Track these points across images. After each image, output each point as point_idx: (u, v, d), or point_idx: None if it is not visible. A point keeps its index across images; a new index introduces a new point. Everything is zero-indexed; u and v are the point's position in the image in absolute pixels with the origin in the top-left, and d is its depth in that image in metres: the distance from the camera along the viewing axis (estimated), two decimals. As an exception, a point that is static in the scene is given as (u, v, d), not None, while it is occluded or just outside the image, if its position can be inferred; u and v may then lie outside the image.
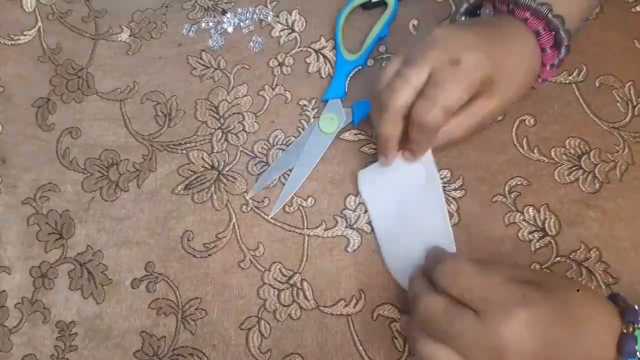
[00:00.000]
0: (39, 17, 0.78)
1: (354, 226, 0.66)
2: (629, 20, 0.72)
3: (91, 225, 0.69)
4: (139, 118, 0.73)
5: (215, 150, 0.70)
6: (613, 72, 0.70)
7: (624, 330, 0.49)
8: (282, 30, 0.75)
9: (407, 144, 0.61)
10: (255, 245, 0.67)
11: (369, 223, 0.66)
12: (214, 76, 0.74)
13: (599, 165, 0.66)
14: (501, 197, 0.66)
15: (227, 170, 0.69)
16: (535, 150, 0.67)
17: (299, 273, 0.65)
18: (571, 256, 0.63)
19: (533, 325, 0.47)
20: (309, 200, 0.68)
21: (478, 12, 0.65)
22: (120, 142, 0.72)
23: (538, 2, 0.57)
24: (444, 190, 0.66)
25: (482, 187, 0.66)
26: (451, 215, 0.65)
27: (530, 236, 0.64)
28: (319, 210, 0.67)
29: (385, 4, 0.74)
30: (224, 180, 0.69)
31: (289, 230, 0.67)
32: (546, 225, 0.65)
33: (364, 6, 0.75)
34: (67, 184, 0.71)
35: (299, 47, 0.74)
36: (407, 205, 0.65)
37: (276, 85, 0.73)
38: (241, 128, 0.71)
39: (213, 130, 0.71)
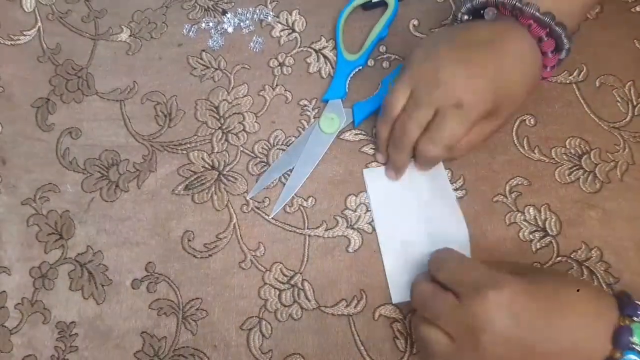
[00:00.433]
0: (38, 17, 0.78)
1: (355, 226, 0.66)
2: (629, 20, 0.72)
3: (91, 226, 0.69)
4: (139, 118, 0.73)
5: (215, 151, 0.70)
6: (613, 72, 0.70)
7: (620, 323, 0.50)
8: (282, 30, 0.75)
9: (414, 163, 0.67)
10: (256, 246, 0.66)
11: (370, 223, 0.66)
12: (214, 76, 0.74)
13: (599, 165, 0.66)
14: (502, 197, 0.66)
15: (228, 171, 0.69)
16: (536, 150, 0.67)
17: (300, 273, 0.65)
18: (572, 256, 0.63)
19: (505, 307, 0.49)
20: (310, 201, 0.68)
21: (481, 12, 0.65)
22: (121, 143, 0.72)
23: (542, 12, 0.58)
24: (445, 190, 0.66)
25: (482, 187, 0.66)
26: (452, 215, 0.66)
27: (531, 236, 0.64)
28: (319, 210, 0.67)
29: (386, 4, 0.74)
30: (225, 180, 0.69)
31: (290, 231, 0.67)
32: (547, 225, 0.65)
33: (364, 6, 0.75)
34: (67, 184, 0.70)
35: (299, 47, 0.74)
36: (416, 210, 0.66)
37: (276, 85, 0.73)
38: (241, 128, 0.71)
39: (213, 131, 0.71)
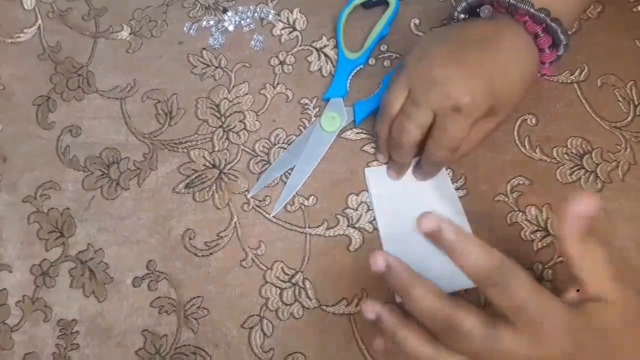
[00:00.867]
0: (38, 15, 0.78)
1: (356, 225, 0.66)
2: (630, 20, 0.72)
3: (92, 224, 0.69)
4: (139, 116, 0.73)
5: (216, 149, 0.70)
6: (615, 71, 0.70)
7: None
8: (283, 28, 0.75)
9: (418, 168, 0.67)
10: (256, 244, 0.66)
11: (371, 222, 0.66)
12: (214, 75, 0.74)
13: (600, 165, 0.66)
14: (503, 196, 0.66)
15: (228, 169, 0.69)
16: (537, 150, 0.67)
17: (301, 272, 0.65)
18: (573, 255, 0.63)
19: None
20: (311, 199, 0.68)
21: (477, 10, 0.65)
22: (121, 141, 0.72)
23: (536, 8, 0.58)
24: (446, 189, 0.66)
25: (484, 186, 0.66)
26: (453, 215, 0.66)
27: (532, 236, 0.64)
28: (320, 209, 0.67)
29: (387, 3, 0.73)
30: (225, 179, 0.69)
31: (291, 229, 0.67)
32: (548, 224, 0.65)
33: (365, 5, 0.75)
34: (67, 182, 0.70)
35: (300, 45, 0.74)
36: (419, 209, 0.65)
37: (277, 83, 0.73)
38: (242, 127, 0.71)
39: (214, 129, 0.71)
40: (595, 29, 0.72)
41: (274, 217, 0.67)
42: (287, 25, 0.76)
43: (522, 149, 0.67)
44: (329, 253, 0.66)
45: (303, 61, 0.74)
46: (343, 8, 0.74)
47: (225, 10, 0.77)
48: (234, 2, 0.77)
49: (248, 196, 0.68)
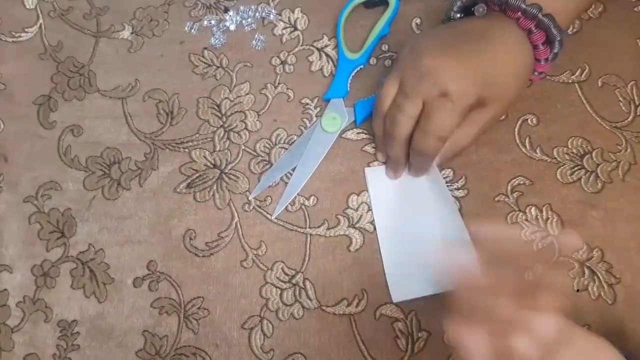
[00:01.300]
0: (40, 15, 0.78)
1: (357, 225, 0.66)
2: (631, 20, 0.72)
3: (93, 224, 0.69)
4: (140, 116, 0.73)
5: (217, 149, 0.70)
6: (616, 71, 0.70)
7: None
8: (284, 28, 0.75)
9: (410, 166, 0.67)
10: (257, 245, 0.66)
11: (372, 222, 0.66)
12: (216, 74, 0.74)
13: (601, 165, 0.66)
14: (503, 196, 0.66)
15: (230, 169, 0.69)
16: (538, 150, 0.67)
17: (302, 272, 0.65)
18: (573, 256, 0.63)
19: None
20: (312, 200, 0.68)
21: (472, 9, 0.65)
22: (122, 140, 0.72)
23: (528, 4, 0.58)
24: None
25: (484, 186, 0.66)
26: (453, 215, 0.66)
27: (532, 236, 0.64)
28: (321, 209, 0.67)
29: (387, 3, 0.73)
30: (226, 179, 0.69)
31: (292, 230, 0.67)
32: (548, 225, 0.65)
33: (366, 4, 0.75)
34: (68, 182, 0.71)
35: (302, 45, 0.74)
36: (416, 210, 0.66)
37: (278, 83, 0.73)
38: (243, 126, 0.71)
39: (215, 129, 0.71)
40: (596, 28, 0.72)
41: (274, 217, 0.67)
42: (288, 25, 0.75)
43: (523, 149, 0.67)
44: (330, 253, 0.66)
45: (304, 61, 0.74)
46: (343, 8, 0.74)
47: (226, 10, 0.77)
48: (235, 1, 0.77)
49: (249, 198, 0.68)
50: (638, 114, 0.68)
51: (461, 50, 0.59)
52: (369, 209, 0.67)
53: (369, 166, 0.68)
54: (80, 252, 0.68)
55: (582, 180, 0.66)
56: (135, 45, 0.76)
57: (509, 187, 0.66)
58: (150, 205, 0.69)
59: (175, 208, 0.69)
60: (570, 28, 0.71)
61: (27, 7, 0.79)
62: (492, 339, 0.46)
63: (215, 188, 0.69)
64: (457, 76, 0.57)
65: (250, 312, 0.65)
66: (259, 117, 0.71)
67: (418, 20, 0.74)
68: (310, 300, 0.64)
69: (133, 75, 0.75)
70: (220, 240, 0.67)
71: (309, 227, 0.67)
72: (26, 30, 0.77)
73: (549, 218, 0.65)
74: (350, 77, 0.71)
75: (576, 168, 0.66)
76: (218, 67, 0.74)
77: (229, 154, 0.70)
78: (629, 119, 0.68)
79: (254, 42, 0.75)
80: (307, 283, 0.65)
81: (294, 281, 0.65)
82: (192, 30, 0.76)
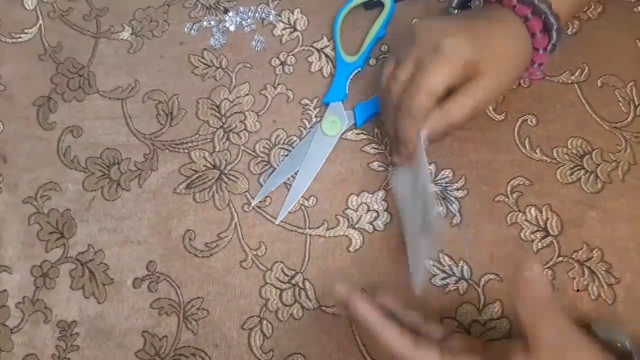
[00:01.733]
0: (40, 15, 0.78)
1: (356, 226, 0.66)
2: (631, 20, 0.72)
3: (92, 225, 0.69)
4: (140, 117, 0.73)
5: (217, 150, 0.70)
6: (615, 72, 0.70)
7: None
8: (284, 29, 0.75)
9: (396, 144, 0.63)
10: (257, 245, 0.66)
11: (371, 223, 0.66)
12: (215, 75, 0.74)
13: (601, 165, 0.66)
14: (503, 197, 0.66)
15: (229, 170, 0.69)
16: (538, 150, 0.67)
17: (301, 273, 0.65)
18: (573, 256, 0.63)
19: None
20: (311, 200, 0.68)
21: (469, 4, 0.66)
22: (122, 141, 0.72)
23: None
24: (446, 189, 0.66)
25: (484, 187, 0.66)
26: (453, 215, 0.65)
27: (532, 236, 0.64)
28: (321, 209, 0.67)
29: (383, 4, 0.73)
30: (226, 179, 0.69)
31: (291, 230, 0.67)
32: (548, 225, 0.65)
33: (365, 5, 0.75)
34: (68, 183, 0.71)
35: (301, 46, 0.74)
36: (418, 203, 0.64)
37: (278, 84, 0.73)
38: (243, 127, 0.71)
39: (215, 130, 0.71)
40: (596, 29, 0.72)
41: (274, 217, 0.67)
42: (287, 26, 0.76)
43: (522, 149, 0.67)
44: (329, 254, 0.66)
45: (304, 62, 0.74)
46: (339, 11, 0.74)
47: (226, 11, 0.77)
48: (234, 2, 0.77)
49: (252, 205, 0.68)
50: (637, 114, 0.68)
51: (455, 22, 0.60)
52: (369, 209, 0.67)
53: (392, 170, 0.67)
54: (79, 253, 0.68)
55: (582, 180, 0.66)
56: (135, 46, 0.76)
57: (509, 188, 0.66)
58: (149, 205, 0.69)
59: (174, 209, 0.69)
60: (570, 28, 0.71)
61: (27, 8, 0.79)
62: None
63: (214, 189, 0.69)
64: (451, 32, 0.57)
65: (250, 312, 0.65)
66: (259, 117, 0.71)
67: (417, 21, 0.74)
68: (310, 300, 0.64)
69: (133, 76, 0.75)
70: (219, 241, 0.67)
71: (309, 228, 0.67)
72: (26, 31, 0.77)
73: (548, 218, 0.65)
74: (349, 80, 0.71)
75: (576, 168, 0.66)
76: (218, 68, 0.74)
77: (228, 154, 0.70)
78: (629, 119, 0.68)
79: (253, 42, 0.75)
80: (307, 283, 0.65)
81: (293, 281, 0.65)
82: (192, 31, 0.76)
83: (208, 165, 0.70)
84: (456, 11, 0.66)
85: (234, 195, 0.68)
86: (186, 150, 0.70)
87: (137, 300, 0.66)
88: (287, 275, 0.65)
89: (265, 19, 0.76)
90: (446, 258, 0.64)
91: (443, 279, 0.63)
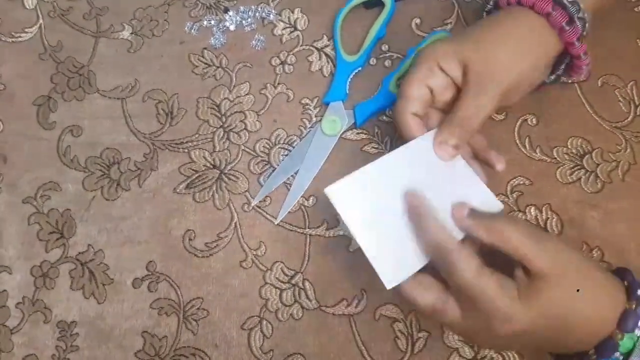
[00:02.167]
0: (40, 15, 0.78)
1: (356, 226, 0.66)
2: (631, 20, 0.72)
3: (92, 225, 0.69)
4: (140, 116, 0.73)
5: (217, 149, 0.70)
6: (615, 71, 0.70)
7: (627, 306, 0.50)
8: (284, 28, 0.75)
9: None
10: (257, 245, 0.66)
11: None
12: (215, 74, 0.74)
13: (601, 165, 0.66)
14: (503, 196, 0.66)
15: (229, 170, 0.69)
16: (538, 150, 0.67)
17: (301, 273, 0.65)
18: (573, 256, 0.63)
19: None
20: (311, 200, 0.68)
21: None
22: (122, 141, 0.72)
23: None
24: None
25: (484, 187, 0.66)
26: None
27: (532, 236, 0.64)
28: (320, 209, 0.67)
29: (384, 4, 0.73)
30: (226, 179, 0.69)
31: (291, 230, 0.67)
32: (548, 225, 0.65)
33: (365, 5, 0.74)
34: (68, 182, 0.70)
35: (301, 45, 0.74)
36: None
37: (278, 83, 0.73)
38: (243, 127, 0.71)
39: (215, 129, 0.71)
40: (596, 28, 0.71)
41: (274, 217, 0.67)
42: (288, 25, 0.75)
43: (523, 149, 0.67)
44: (329, 254, 0.66)
45: (304, 61, 0.74)
46: (339, 10, 0.74)
47: (226, 10, 0.77)
48: (235, 1, 0.77)
49: (252, 204, 0.68)
50: (638, 114, 0.68)
51: (466, 34, 0.60)
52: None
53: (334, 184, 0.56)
54: (79, 253, 0.68)
55: (582, 180, 0.66)
56: (135, 45, 0.76)
57: (509, 187, 0.66)
58: (149, 205, 0.69)
59: (174, 208, 0.69)
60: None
61: (27, 7, 0.79)
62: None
63: (214, 188, 0.69)
64: (440, 41, 0.59)
65: (250, 312, 0.65)
66: (259, 117, 0.71)
67: (418, 20, 0.74)
68: (310, 300, 0.64)
69: (133, 75, 0.75)
70: (219, 241, 0.67)
71: (309, 228, 0.67)
72: (26, 30, 0.77)
73: (548, 218, 0.65)
74: (349, 80, 0.71)
75: (576, 168, 0.66)
76: (218, 67, 0.74)
77: (228, 154, 0.70)
78: (629, 119, 0.68)
79: (253, 42, 0.75)
80: (307, 283, 0.65)
81: (293, 282, 0.65)
82: (192, 31, 0.76)
83: (208, 164, 0.70)
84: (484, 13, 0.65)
85: (234, 195, 0.68)
86: (186, 150, 0.70)
87: (137, 301, 0.66)
88: (287, 275, 0.65)
89: (265, 19, 0.76)
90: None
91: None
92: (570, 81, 0.67)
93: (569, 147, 0.67)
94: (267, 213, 0.68)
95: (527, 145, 0.67)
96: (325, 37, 0.74)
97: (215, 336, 0.64)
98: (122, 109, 0.73)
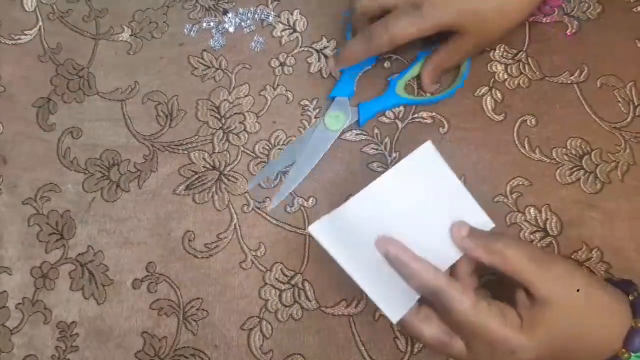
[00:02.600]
0: (39, 17, 0.78)
1: (356, 226, 0.66)
2: (630, 20, 0.72)
3: (92, 226, 0.69)
4: (140, 118, 0.73)
5: (216, 151, 0.70)
6: (614, 72, 0.69)
7: (633, 325, 0.50)
8: (283, 30, 0.75)
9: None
10: (256, 246, 0.66)
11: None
12: (215, 76, 0.74)
13: (600, 166, 0.66)
14: (502, 197, 0.66)
15: (229, 171, 0.69)
16: (537, 151, 0.67)
17: (301, 273, 0.65)
18: (573, 256, 0.63)
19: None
20: (310, 201, 0.68)
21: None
22: (122, 142, 0.72)
23: None
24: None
25: (483, 187, 0.66)
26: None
27: (531, 236, 0.64)
28: (320, 210, 0.67)
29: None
30: (225, 180, 0.69)
31: (291, 231, 0.67)
32: (547, 225, 0.65)
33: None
34: (68, 184, 0.71)
35: (301, 47, 0.74)
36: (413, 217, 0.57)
37: (277, 85, 0.73)
38: (242, 128, 0.71)
39: (214, 131, 0.71)
40: (595, 29, 0.72)
41: (274, 218, 0.67)
42: (287, 27, 0.76)
43: (522, 150, 0.67)
44: (329, 254, 0.65)
45: (303, 63, 0.74)
46: (347, 8, 0.74)
47: (225, 12, 0.77)
48: (234, 3, 0.77)
49: (247, 188, 0.68)
50: (637, 114, 0.68)
51: None
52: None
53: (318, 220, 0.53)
54: (79, 254, 0.68)
55: (581, 180, 0.66)
56: (135, 47, 0.76)
57: (508, 188, 0.66)
58: (149, 207, 0.69)
59: (174, 210, 0.69)
60: (569, 29, 0.71)
61: (27, 9, 0.79)
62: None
63: (214, 189, 0.69)
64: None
65: (250, 313, 0.65)
66: (258, 118, 0.71)
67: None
68: (310, 301, 0.64)
69: (132, 77, 0.75)
70: (219, 242, 0.67)
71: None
72: (25, 32, 0.78)
73: (548, 218, 0.65)
74: (357, 77, 0.71)
75: (575, 169, 0.66)
76: (217, 69, 0.74)
77: (228, 155, 0.70)
78: (628, 120, 0.68)
79: (252, 44, 0.75)
80: (306, 284, 0.65)
81: (293, 282, 0.65)
82: (191, 33, 0.76)
83: (207, 166, 0.70)
84: None
85: (234, 196, 0.68)
86: (186, 151, 0.71)
87: (136, 301, 0.66)
88: (286, 276, 0.65)
89: (264, 20, 0.76)
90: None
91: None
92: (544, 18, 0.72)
93: (568, 147, 0.67)
94: (266, 214, 0.68)
95: (526, 146, 0.67)
96: (324, 38, 0.74)
97: (215, 337, 0.64)
98: (122, 111, 0.73)
